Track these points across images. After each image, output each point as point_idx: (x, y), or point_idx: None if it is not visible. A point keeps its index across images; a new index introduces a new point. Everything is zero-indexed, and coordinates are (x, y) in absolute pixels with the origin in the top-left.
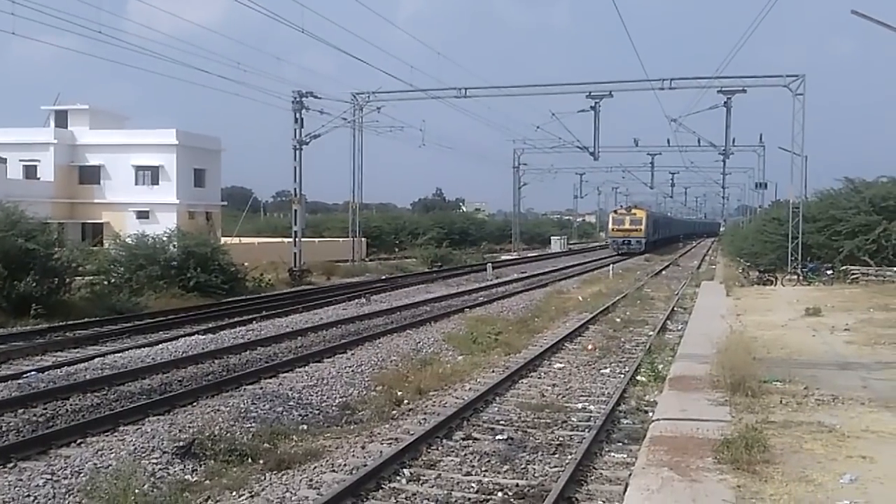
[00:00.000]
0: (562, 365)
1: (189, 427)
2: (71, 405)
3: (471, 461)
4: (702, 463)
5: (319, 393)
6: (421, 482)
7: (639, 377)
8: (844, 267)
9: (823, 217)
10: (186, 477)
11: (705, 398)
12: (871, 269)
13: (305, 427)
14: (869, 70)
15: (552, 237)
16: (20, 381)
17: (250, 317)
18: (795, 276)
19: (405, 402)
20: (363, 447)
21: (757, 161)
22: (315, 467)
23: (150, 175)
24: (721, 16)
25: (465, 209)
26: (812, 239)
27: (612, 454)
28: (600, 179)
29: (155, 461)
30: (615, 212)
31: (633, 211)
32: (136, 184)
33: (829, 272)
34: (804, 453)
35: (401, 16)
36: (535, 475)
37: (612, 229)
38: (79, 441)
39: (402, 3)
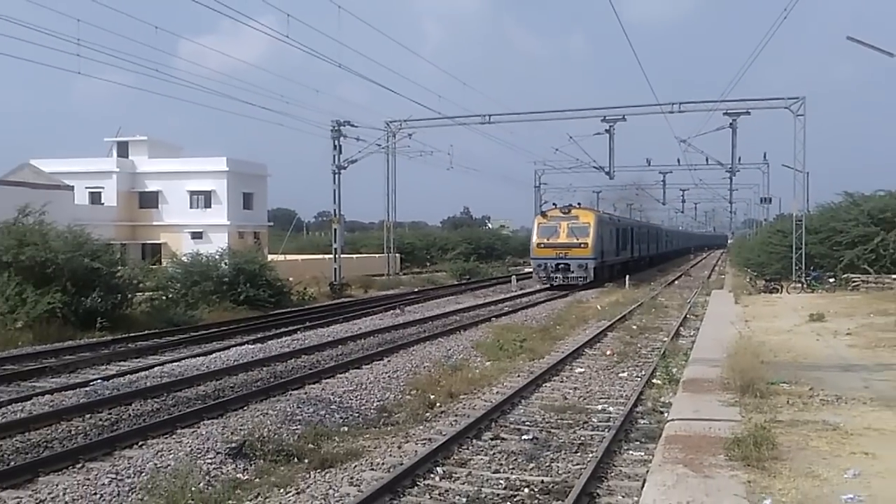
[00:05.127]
0: (582, 369)
1: (240, 429)
2: (133, 410)
3: (499, 459)
4: (714, 460)
5: (359, 397)
6: (453, 479)
7: (654, 380)
8: (845, 275)
9: (825, 229)
10: (238, 475)
11: (717, 399)
12: (870, 276)
13: (346, 429)
14: (867, 91)
15: None
16: (87, 388)
17: (295, 327)
18: (800, 285)
19: (437, 405)
20: (399, 447)
21: (762, 177)
22: (356, 466)
23: (204, 199)
24: (726, 42)
25: (490, 226)
26: (815, 249)
27: (631, 452)
28: (615, 196)
29: (209, 461)
30: (543, 215)
31: (574, 213)
32: (191, 207)
33: (831, 280)
34: (810, 450)
35: (426, 48)
36: (559, 472)
37: (538, 244)
38: (140, 443)
39: (426, 37)
